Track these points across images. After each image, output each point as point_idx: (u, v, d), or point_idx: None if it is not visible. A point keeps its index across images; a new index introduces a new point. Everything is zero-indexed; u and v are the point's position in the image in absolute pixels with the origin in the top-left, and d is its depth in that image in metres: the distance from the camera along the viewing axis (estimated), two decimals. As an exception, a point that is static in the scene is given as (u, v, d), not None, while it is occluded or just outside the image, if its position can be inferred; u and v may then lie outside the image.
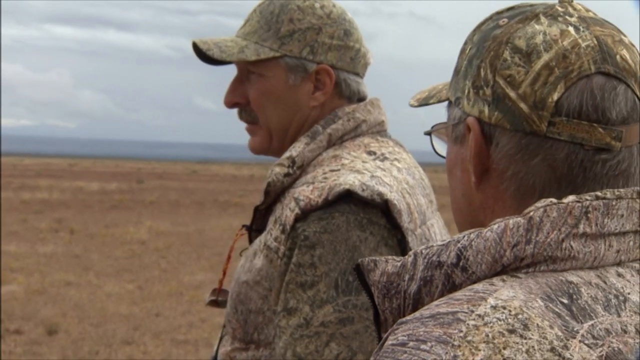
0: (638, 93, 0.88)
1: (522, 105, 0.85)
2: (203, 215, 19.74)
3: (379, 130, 1.68)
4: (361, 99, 1.69)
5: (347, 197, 1.47)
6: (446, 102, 0.97)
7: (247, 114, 1.67)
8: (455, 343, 0.73)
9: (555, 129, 0.85)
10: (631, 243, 0.85)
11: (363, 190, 1.47)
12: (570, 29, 0.87)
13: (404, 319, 0.79)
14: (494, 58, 0.88)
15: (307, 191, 1.51)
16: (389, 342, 0.78)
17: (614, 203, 0.84)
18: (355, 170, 1.53)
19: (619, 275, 0.84)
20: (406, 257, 0.85)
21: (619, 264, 0.85)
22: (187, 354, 7.47)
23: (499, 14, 0.92)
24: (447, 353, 0.73)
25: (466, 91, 0.90)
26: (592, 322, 0.77)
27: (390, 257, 0.87)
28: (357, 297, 1.41)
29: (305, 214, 1.48)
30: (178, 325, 8.49)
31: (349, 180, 1.49)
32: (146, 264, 12.28)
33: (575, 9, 0.90)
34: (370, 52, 1.71)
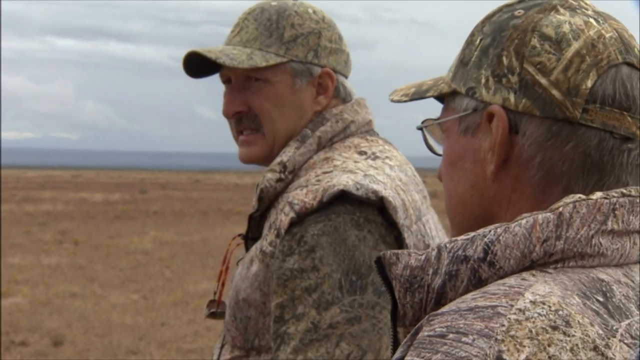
0: None
1: (555, 92, 0.85)
2: (207, 224, 19.74)
3: (367, 129, 1.68)
4: (349, 100, 1.70)
5: (342, 198, 1.47)
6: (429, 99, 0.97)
7: (250, 121, 1.63)
8: (499, 337, 0.72)
9: (588, 116, 0.84)
10: None
11: (357, 189, 1.47)
12: (592, 20, 0.88)
13: (437, 312, 0.78)
14: (519, 46, 0.87)
15: (301, 195, 1.51)
16: (424, 333, 0.76)
17: (637, 200, 0.83)
18: (348, 170, 1.53)
19: None
20: (429, 250, 0.84)
21: None
22: (193, 363, 7.47)
23: (509, 6, 0.92)
24: (490, 347, 0.71)
25: (483, 80, 0.88)
26: (628, 321, 0.77)
27: (412, 250, 0.85)
28: (362, 296, 1.41)
29: (301, 218, 1.48)
30: (184, 335, 8.49)
31: (343, 180, 1.49)
32: (151, 274, 12.27)
33: (586, 3, 0.91)
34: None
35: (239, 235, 1.71)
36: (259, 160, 1.66)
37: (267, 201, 1.59)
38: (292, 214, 1.49)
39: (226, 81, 1.67)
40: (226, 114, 1.64)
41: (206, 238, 16.68)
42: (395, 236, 1.50)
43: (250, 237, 1.66)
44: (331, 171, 1.54)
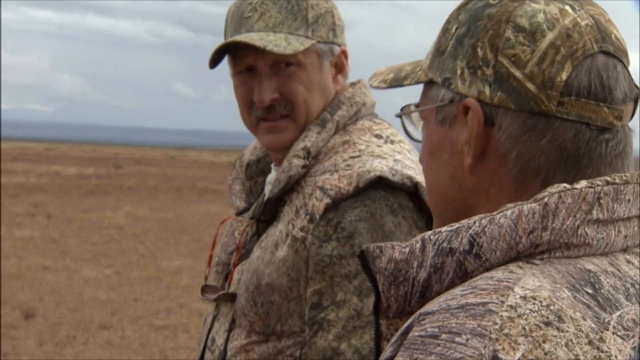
0: (629, 72, 0.88)
1: (529, 85, 0.83)
2: (181, 201, 19.69)
3: (371, 112, 1.67)
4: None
5: (377, 183, 1.48)
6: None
7: (282, 108, 1.58)
8: (493, 336, 0.71)
9: (564, 108, 0.83)
10: (636, 228, 0.85)
11: (393, 175, 1.49)
12: (567, 7, 0.86)
13: (427, 310, 0.76)
14: (494, 37, 0.85)
15: (333, 180, 1.50)
16: (415, 333, 0.75)
17: (622, 188, 0.82)
18: (377, 155, 1.54)
19: (628, 262, 0.84)
20: (413, 243, 0.82)
21: (625, 250, 0.85)
22: (166, 339, 7.48)
23: None
24: (485, 347, 0.70)
25: (459, 72, 0.87)
26: (619, 312, 0.76)
27: (395, 243, 0.84)
28: None
29: (336, 203, 1.48)
30: (156, 311, 8.49)
31: (377, 166, 1.50)
32: (124, 249, 12.24)
33: None
34: None
35: (252, 218, 1.66)
36: (288, 146, 1.60)
37: (289, 186, 1.57)
38: (327, 199, 1.49)
39: (247, 69, 1.59)
40: (261, 102, 1.57)
41: (180, 215, 16.64)
42: (425, 221, 1.51)
43: (262, 220, 1.61)
44: (359, 156, 1.54)
